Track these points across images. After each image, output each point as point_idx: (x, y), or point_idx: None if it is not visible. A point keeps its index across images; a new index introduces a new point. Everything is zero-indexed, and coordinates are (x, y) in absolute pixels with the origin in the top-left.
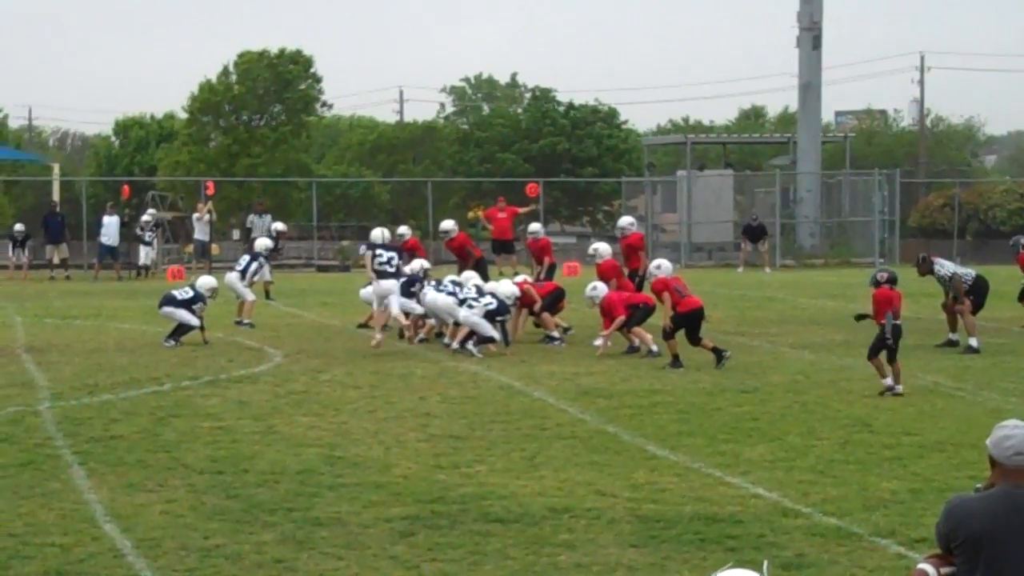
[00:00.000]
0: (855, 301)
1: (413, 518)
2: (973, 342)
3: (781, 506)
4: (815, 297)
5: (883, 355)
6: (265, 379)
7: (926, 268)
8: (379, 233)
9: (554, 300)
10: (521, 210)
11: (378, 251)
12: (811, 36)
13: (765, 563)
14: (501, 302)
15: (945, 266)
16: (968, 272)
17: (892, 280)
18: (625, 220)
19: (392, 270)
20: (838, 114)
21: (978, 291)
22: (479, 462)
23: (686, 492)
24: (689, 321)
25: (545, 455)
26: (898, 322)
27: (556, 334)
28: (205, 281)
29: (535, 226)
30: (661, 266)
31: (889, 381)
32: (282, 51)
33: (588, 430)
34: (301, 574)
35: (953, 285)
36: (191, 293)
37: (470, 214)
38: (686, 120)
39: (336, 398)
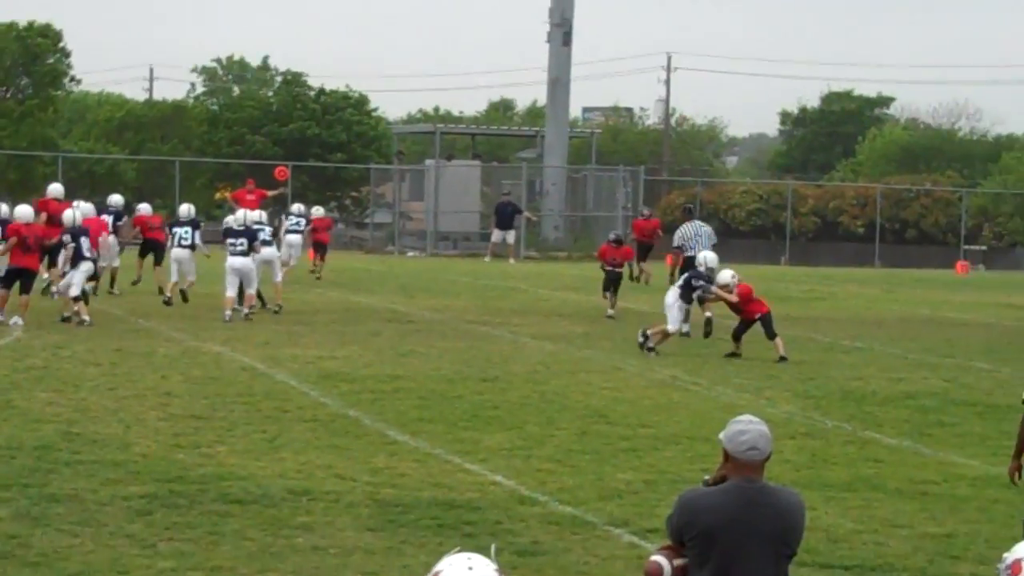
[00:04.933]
0: (596, 294)
1: (151, 497)
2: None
3: (518, 494)
4: (557, 289)
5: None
6: (4, 353)
7: (686, 218)
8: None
9: None
10: (269, 193)
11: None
12: (561, 32)
13: (492, 547)
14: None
15: (686, 231)
16: (695, 251)
17: (618, 240)
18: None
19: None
20: (585, 110)
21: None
22: (219, 443)
23: (425, 478)
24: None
25: (286, 437)
26: (618, 270)
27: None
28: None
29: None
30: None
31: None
32: (31, 24)
33: (329, 413)
34: (35, 551)
35: (674, 247)
36: None
37: (217, 195)
38: (436, 110)
39: (76, 375)
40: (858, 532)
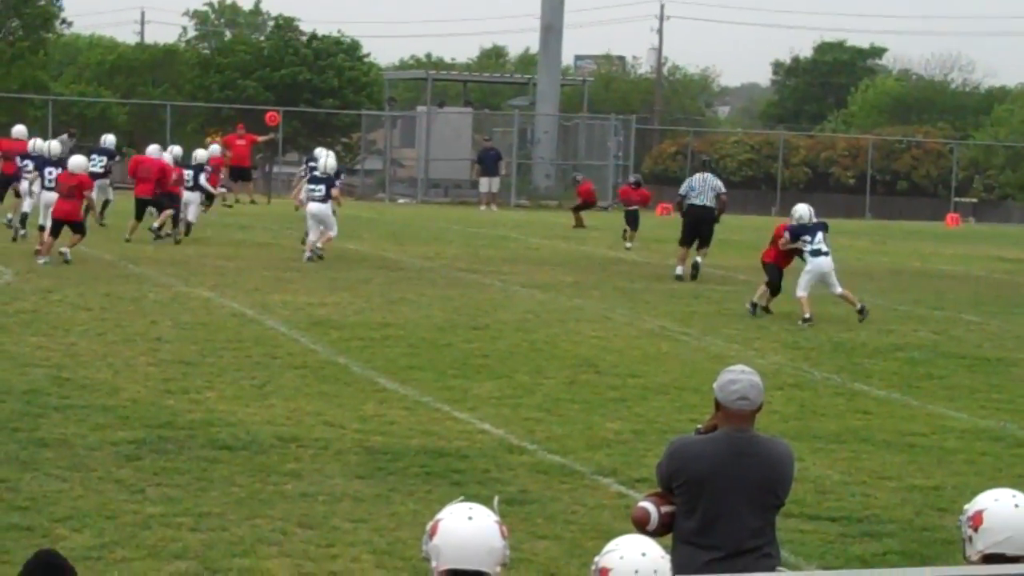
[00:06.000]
0: (587, 243)
1: (140, 442)
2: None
3: (507, 442)
4: (548, 238)
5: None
6: None
7: (701, 169)
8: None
9: None
10: (260, 138)
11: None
12: None
13: (496, 499)
14: None
15: (694, 180)
16: (695, 197)
17: (637, 183)
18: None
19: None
20: (578, 58)
21: (684, 221)
22: (209, 388)
23: (414, 425)
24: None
25: (275, 384)
26: (634, 208)
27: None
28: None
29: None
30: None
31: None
32: None
33: (319, 360)
34: (24, 495)
35: (679, 193)
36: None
37: (208, 140)
38: (428, 56)
39: (66, 319)
40: (846, 483)
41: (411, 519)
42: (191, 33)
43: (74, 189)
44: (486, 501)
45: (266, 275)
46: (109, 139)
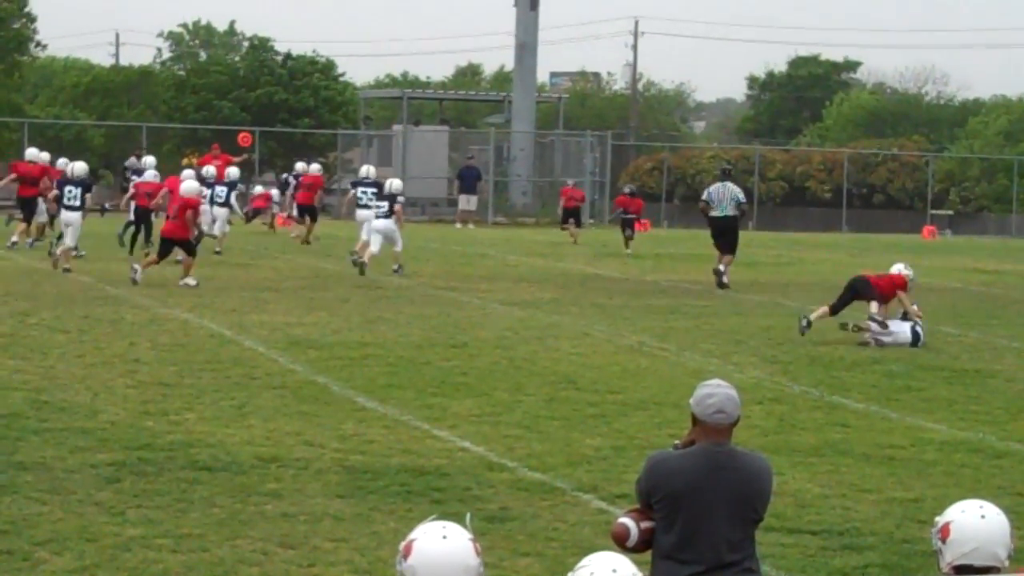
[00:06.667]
0: (564, 260)
1: (119, 464)
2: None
3: (487, 460)
4: (525, 255)
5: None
6: None
7: (722, 178)
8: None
9: None
10: (235, 159)
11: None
12: None
13: (468, 516)
14: None
15: (714, 190)
16: (716, 208)
17: (632, 192)
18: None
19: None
20: (553, 75)
21: (712, 229)
22: (188, 410)
23: (393, 444)
24: None
25: (254, 404)
26: (631, 216)
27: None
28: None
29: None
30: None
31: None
32: None
33: (298, 380)
34: (3, 518)
35: (701, 201)
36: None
37: (184, 161)
38: (404, 75)
39: (43, 342)
40: (825, 497)
41: (392, 538)
42: (166, 54)
43: (180, 210)
44: (463, 520)
45: (244, 295)
46: (150, 160)
